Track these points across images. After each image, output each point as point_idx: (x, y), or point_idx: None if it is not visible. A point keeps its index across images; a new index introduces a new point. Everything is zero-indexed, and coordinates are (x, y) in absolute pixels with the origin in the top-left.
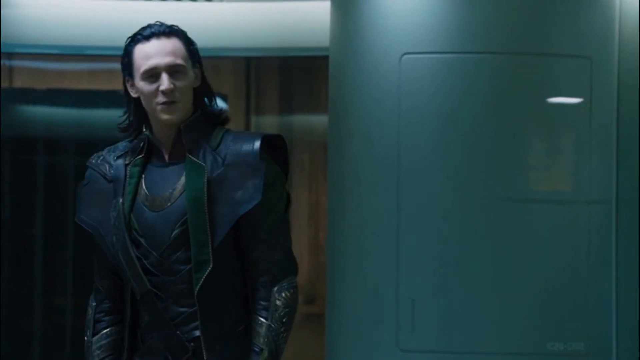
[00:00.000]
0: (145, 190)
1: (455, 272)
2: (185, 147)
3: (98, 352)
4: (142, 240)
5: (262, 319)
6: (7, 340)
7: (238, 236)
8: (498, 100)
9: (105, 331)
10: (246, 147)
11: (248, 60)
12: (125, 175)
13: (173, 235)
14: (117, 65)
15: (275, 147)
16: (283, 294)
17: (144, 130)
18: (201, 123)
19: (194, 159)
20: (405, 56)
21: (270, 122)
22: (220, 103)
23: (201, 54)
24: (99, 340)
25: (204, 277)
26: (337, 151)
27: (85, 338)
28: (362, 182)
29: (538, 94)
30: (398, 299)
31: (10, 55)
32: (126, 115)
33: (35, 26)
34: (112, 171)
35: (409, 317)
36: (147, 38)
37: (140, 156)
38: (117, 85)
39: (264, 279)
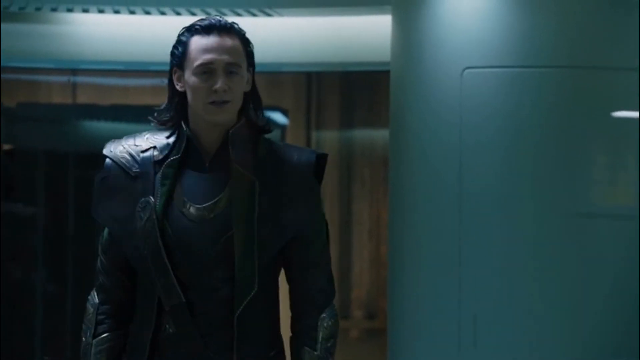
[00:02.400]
0: (184, 197)
1: (517, 287)
2: (229, 155)
3: (98, 356)
4: (176, 249)
5: (309, 349)
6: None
7: (281, 258)
8: (562, 115)
9: (105, 335)
10: (298, 163)
11: (309, 75)
12: (155, 173)
13: (215, 250)
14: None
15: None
16: (328, 323)
17: (183, 127)
18: (247, 131)
19: (243, 170)
20: (467, 70)
21: (330, 137)
22: (280, 117)
23: (262, 69)
24: (99, 344)
25: (246, 301)
26: (398, 166)
27: (84, 339)
28: (423, 198)
29: (602, 108)
30: (460, 315)
31: (74, 72)
32: (166, 108)
33: (99, 43)
34: (136, 166)
35: (470, 332)
36: (207, 31)
37: (177, 156)
38: None
39: (308, 306)
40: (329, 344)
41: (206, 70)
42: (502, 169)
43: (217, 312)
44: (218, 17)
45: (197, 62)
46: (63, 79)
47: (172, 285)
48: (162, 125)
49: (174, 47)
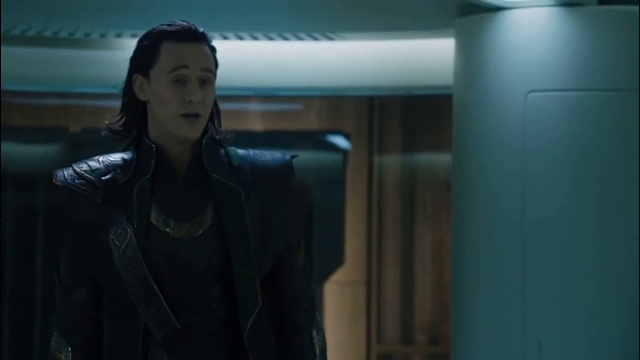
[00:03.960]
0: (163, 216)
1: (581, 312)
2: (201, 166)
3: None
4: (163, 273)
5: None
6: None
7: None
8: (629, 139)
9: None
10: (276, 166)
11: (370, 99)
12: (124, 196)
13: (208, 267)
14: (241, 106)
15: None
16: (320, 334)
17: (149, 142)
18: (214, 140)
19: (225, 180)
20: (531, 94)
21: (392, 161)
22: (342, 141)
23: (324, 93)
24: None
25: (252, 317)
26: (460, 191)
27: None
28: (485, 223)
29: None
30: (524, 339)
31: None
32: (120, 116)
33: None
34: (100, 192)
35: (535, 357)
36: (181, 36)
37: (148, 176)
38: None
39: (300, 315)
40: (326, 356)
41: (179, 79)
42: (566, 195)
43: (215, 334)
44: (185, 22)
45: (169, 69)
46: None
47: (166, 313)
48: (115, 136)
49: (137, 52)
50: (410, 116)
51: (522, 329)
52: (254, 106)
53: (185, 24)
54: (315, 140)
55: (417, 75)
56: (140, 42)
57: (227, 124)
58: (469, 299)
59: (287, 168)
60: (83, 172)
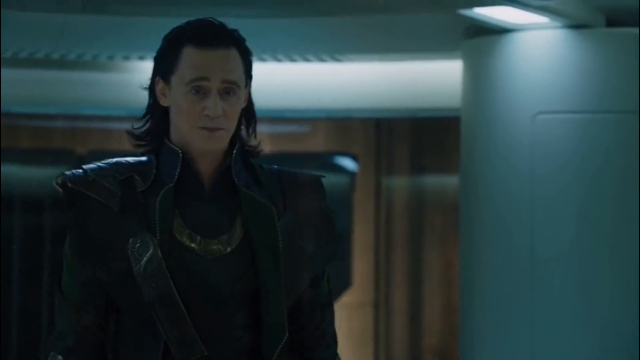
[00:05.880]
0: (189, 230)
1: (591, 338)
2: (228, 180)
3: None
4: (188, 293)
5: None
6: None
7: None
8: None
9: None
10: (308, 188)
11: (378, 121)
12: (144, 205)
13: (234, 290)
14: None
15: None
16: None
17: (175, 148)
18: (244, 152)
19: (256, 196)
20: (540, 116)
21: (400, 183)
22: (349, 163)
23: (332, 115)
24: None
25: (279, 350)
26: (468, 214)
27: None
28: (493, 247)
29: None
30: None
31: None
32: (145, 120)
33: None
34: (117, 199)
35: None
36: (202, 41)
37: (172, 185)
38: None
39: (322, 352)
40: None
41: (198, 90)
42: (575, 219)
43: None
44: (213, 21)
45: (187, 79)
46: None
47: (192, 337)
48: (138, 142)
49: (159, 53)
50: (418, 138)
51: (530, 352)
52: (262, 128)
53: (210, 23)
54: (323, 162)
55: (425, 97)
56: (163, 41)
57: None
58: (477, 322)
59: (319, 189)
60: (96, 176)
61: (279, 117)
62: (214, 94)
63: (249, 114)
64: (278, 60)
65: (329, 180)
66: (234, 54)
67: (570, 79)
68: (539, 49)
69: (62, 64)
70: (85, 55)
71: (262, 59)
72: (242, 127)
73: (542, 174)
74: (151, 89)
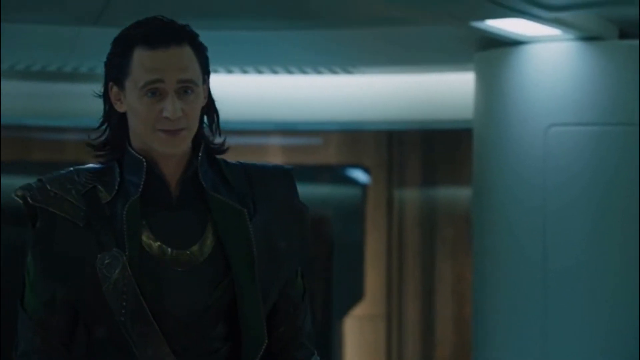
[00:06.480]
0: (158, 241)
1: (605, 355)
2: (194, 184)
3: None
4: (161, 309)
5: None
6: None
7: None
8: None
9: None
10: (278, 181)
11: (390, 133)
12: (110, 218)
13: (211, 302)
14: (260, 140)
15: None
16: None
17: (138, 156)
18: (210, 151)
19: (226, 200)
20: (552, 128)
21: (412, 195)
22: (361, 175)
23: (344, 127)
24: None
25: (258, 358)
26: (480, 227)
27: None
28: (506, 260)
29: None
30: None
31: None
32: (103, 129)
33: None
34: (82, 213)
35: None
36: (154, 43)
37: (137, 196)
38: (260, 158)
39: (300, 354)
40: None
41: (155, 92)
42: (588, 230)
43: None
44: (162, 19)
45: (142, 83)
46: None
47: (167, 354)
48: (98, 152)
49: (109, 58)
50: (429, 150)
51: None
52: (274, 140)
53: (160, 22)
54: (335, 174)
55: (437, 109)
56: (113, 44)
57: (247, 158)
58: (490, 334)
59: (290, 182)
60: (56, 189)
61: (290, 130)
62: (171, 95)
63: (210, 110)
64: (290, 72)
65: (341, 192)
66: (187, 51)
67: (582, 91)
68: (552, 61)
69: (74, 76)
70: (97, 68)
71: (274, 71)
72: (205, 124)
73: (554, 186)
74: (105, 95)
